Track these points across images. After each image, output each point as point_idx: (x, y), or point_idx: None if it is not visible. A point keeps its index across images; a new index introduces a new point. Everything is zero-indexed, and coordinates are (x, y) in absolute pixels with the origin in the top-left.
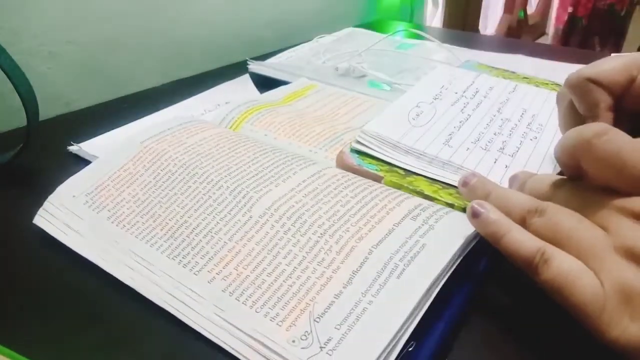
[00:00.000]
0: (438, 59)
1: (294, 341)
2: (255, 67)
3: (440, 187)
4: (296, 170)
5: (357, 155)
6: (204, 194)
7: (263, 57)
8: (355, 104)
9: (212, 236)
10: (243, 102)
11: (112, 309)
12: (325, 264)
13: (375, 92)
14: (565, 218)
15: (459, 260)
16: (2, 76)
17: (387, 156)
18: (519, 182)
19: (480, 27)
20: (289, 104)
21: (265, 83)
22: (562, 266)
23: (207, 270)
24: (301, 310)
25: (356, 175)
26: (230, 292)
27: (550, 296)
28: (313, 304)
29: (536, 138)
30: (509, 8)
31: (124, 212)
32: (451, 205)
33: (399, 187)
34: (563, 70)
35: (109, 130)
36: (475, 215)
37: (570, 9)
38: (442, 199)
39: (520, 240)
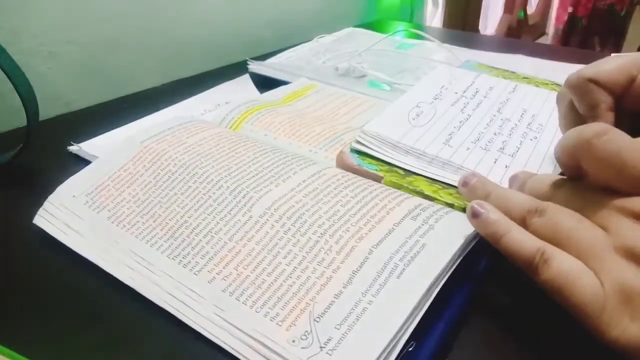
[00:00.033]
0: (438, 59)
1: (294, 341)
2: (255, 67)
3: (440, 187)
4: (296, 170)
5: (357, 155)
6: (204, 194)
7: (263, 57)
8: (355, 104)
9: (212, 236)
10: (243, 102)
11: (112, 309)
12: (325, 263)
13: (375, 92)
14: (565, 218)
15: (459, 260)
16: (2, 76)
17: (387, 156)
18: (519, 182)
19: (480, 27)
20: (289, 104)
21: (265, 83)
22: (562, 266)
23: (207, 270)
24: (301, 310)
25: (356, 175)
26: (230, 292)
27: (550, 296)
28: (313, 303)
29: (536, 138)
30: (509, 8)
31: (124, 212)
32: (451, 205)
33: (399, 187)
34: (563, 70)
35: (109, 130)
36: (475, 216)
37: (570, 9)
38: (442, 199)
39: (520, 241)
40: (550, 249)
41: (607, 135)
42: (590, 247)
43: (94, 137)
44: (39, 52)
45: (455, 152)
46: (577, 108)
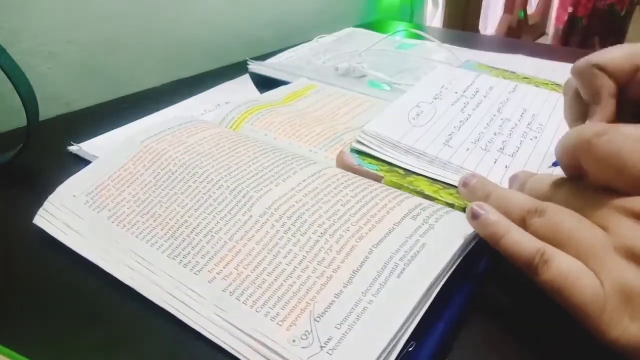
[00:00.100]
0: (438, 59)
1: (294, 341)
2: (255, 67)
3: (441, 187)
4: (296, 169)
5: (357, 155)
6: (204, 194)
7: (263, 57)
8: (355, 104)
9: (212, 236)
10: (243, 102)
11: (112, 309)
12: (325, 263)
13: (375, 92)
14: (565, 218)
15: (459, 260)
16: (2, 76)
17: (387, 156)
18: (519, 182)
19: (480, 27)
20: (289, 104)
21: (265, 83)
22: (561, 266)
23: (207, 270)
24: (301, 309)
25: (356, 175)
26: (230, 292)
27: (550, 296)
28: (313, 303)
29: (536, 138)
30: (509, 8)
31: (124, 212)
32: (451, 205)
33: (399, 186)
34: (563, 70)
35: (109, 130)
36: (474, 217)
37: (570, 9)
38: (443, 199)
39: (520, 241)
40: (550, 250)
41: (607, 135)
42: (590, 247)
43: (94, 137)
44: (39, 52)
45: (455, 152)
46: (581, 94)
